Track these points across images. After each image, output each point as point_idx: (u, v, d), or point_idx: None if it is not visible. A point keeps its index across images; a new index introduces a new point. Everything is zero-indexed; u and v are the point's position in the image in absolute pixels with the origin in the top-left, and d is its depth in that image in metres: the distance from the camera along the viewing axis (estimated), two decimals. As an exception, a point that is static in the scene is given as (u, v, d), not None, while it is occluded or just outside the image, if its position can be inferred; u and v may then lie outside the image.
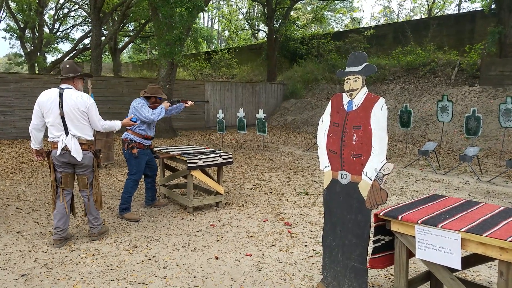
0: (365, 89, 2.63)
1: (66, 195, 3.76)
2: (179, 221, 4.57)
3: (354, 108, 2.67)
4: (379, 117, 2.50)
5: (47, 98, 3.58)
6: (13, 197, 5.40)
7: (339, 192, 2.78)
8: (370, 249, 2.60)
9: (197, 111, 14.93)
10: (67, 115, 3.56)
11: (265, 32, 22.23)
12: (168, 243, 3.89)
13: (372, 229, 2.58)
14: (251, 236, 4.10)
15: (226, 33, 34.52)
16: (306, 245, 3.86)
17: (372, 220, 2.58)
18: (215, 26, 41.81)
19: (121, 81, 13.46)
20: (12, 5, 20.46)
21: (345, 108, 2.72)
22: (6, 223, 4.36)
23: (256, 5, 27.52)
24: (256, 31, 27.99)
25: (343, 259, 2.75)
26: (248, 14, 27.41)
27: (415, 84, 13.64)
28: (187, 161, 4.70)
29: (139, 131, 4.69)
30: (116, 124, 3.99)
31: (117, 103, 12.95)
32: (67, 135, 3.59)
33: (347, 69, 2.73)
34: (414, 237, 2.36)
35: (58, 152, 3.57)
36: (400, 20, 25.11)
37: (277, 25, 19.46)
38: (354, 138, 2.64)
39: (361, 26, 23.17)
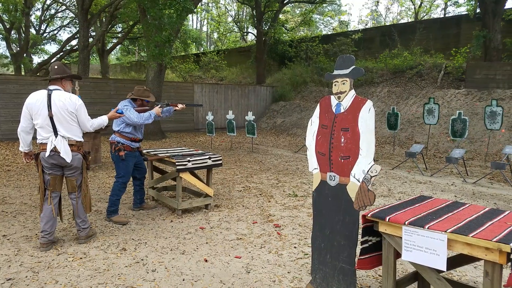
0: (353, 92, 2.66)
1: (54, 198, 3.71)
2: (167, 224, 4.55)
3: (342, 110, 2.69)
4: (367, 119, 2.54)
5: (36, 99, 3.55)
6: (-2, 201, 5.29)
7: (327, 193, 2.80)
8: (358, 250, 2.63)
9: (186, 113, 14.87)
10: (55, 116, 3.53)
11: (254, 34, 22.30)
12: (156, 246, 3.86)
13: (360, 230, 2.61)
14: (241, 238, 4.09)
15: (215, 35, 34.50)
16: (295, 247, 3.87)
17: (360, 221, 2.61)
18: (204, 28, 41.78)
19: (109, 82, 13.33)
20: (-3, 5, 20.10)
21: (334, 111, 2.75)
22: (-10, 227, 4.27)
23: (245, 8, 27.57)
24: (245, 34, 28.05)
25: (332, 260, 2.77)
26: (237, 17, 27.45)
27: (402, 87, 13.84)
28: (176, 163, 4.68)
29: (126, 134, 4.62)
30: (104, 120, 3.94)
31: (104, 104, 12.79)
32: (56, 136, 3.55)
33: (335, 72, 2.76)
34: (401, 238, 2.39)
35: (47, 153, 3.53)
36: (387, 24, 25.45)
37: (266, 28, 19.54)
38: (342, 140, 2.67)
39: (349, 30, 23.41)
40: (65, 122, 3.58)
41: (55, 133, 3.56)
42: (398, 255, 2.55)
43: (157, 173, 5.74)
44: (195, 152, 5.38)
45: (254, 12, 20.32)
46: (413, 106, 12.29)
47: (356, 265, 2.62)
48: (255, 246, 3.90)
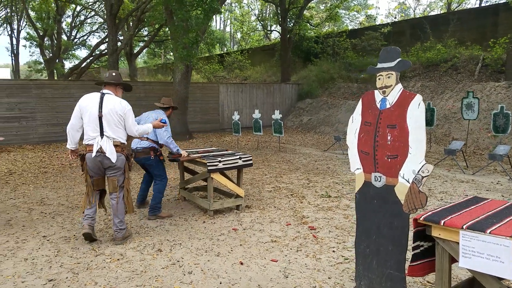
0: (399, 86, 2.49)
1: (96, 194, 3.92)
2: (200, 224, 4.50)
3: (388, 106, 2.53)
4: (417, 115, 2.36)
5: (89, 100, 3.75)
6: (37, 201, 5.43)
7: (372, 195, 2.64)
8: (408, 256, 2.46)
9: (212, 113, 14.92)
10: (105, 117, 3.68)
11: (278, 32, 22.12)
12: (191, 247, 3.81)
13: (410, 235, 2.44)
14: (275, 241, 3.98)
15: (239, 35, 34.54)
16: (333, 251, 3.72)
17: (411, 225, 2.43)
18: (227, 29, 41.93)
19: (138, 85, 13.55)
20: (32, 14, 20.95)
21: (378, 106, 2.59)
22: (31, 227, 4.36)
23: (268, 6, 27.42)
24: (269, 32, 27.89)
25: (378, 266, 2.61)
26: (260, 15, 27.33)
27: (436, 81, 13.29)
28: (207, 163, 4.63)
29: (154, 140, 4.78)
30: (148, 127, 4.13)
31: (134, 107, 12.92)
32: (102, 137, 3.69)
33: (379, 65, 2.60)
34: (458, 243, 2.20)
35: (94, 154, 3.66)
36: (417, 16, 24.61)
37: (290, 25, 19.31)
38: (388, 138, 2.51)
39: (377, 23, 22.80)
40: (113, 124, 3.72)
41: (101, 133, 3.69)
42: (452, 260, 2.36)
43: (188, 173, 5.73)
44: (225, 152, 5.32)
45: (278, 9, 20.14)
46: (449, 100, 11.76)
47: (406, 272, 2.45)
48: (291, 249, 3.78)
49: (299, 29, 19.41)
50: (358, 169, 2.74)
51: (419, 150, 2.35)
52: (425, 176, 2.35)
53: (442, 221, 2.24)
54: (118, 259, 3.54)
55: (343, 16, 30.60)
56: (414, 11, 28.88)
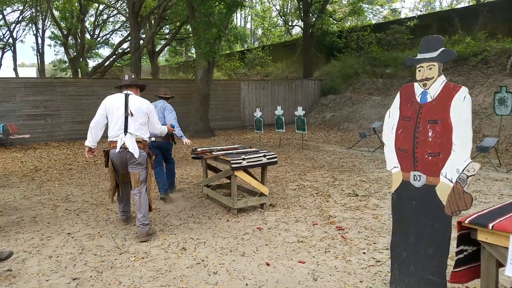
0: (442, 78, 2.30)
1: (124, 187, 4.20)
2: (224, 223, 4.41)
3: (429, 99, 2.34)
4: (462, 109, 2.17)
5: (115, 99, 3.95)
6: (62, 198, 5.48)
7: (411, 196, 2.46)
8: (450, 261, 2.27)
9: (233, 110, 14.85)
10: (131, 116, 3.88)
11: (300, 27, 21.82)
12: (215, 246, 3.72)
13: (451, 238, 2.25)
14: (302, 241, 3.84)
15: (260, 31, 34.33)
16: (364, 253, 3.55)
17: (454, 228, 2.24)
18: (248, 25, 41.77)
19: (160, 83, 13.63)
20: (56, 13, 21.44)
21: (418, 100, 2.40)
22: (56, 224, 4.38)
23: (290, 1, 27.10)
24: (291, 27, 27.58)
25: (417, 271, 2.43)
26: (282, 10, 27.06)
27: (465, 75, 12.76)
28: (231, 161, 4.52)
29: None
30: (165, 129, 4.60)
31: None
32: (125, 134, 3.86)
33: (419, 56, 2.41)
34: (507, 248, 2.01)
35: (117, 150, 3.84)
36: (444, 9, 23.76)
37: (313, 20, 19.00)
38: (430, 134, 2.32)
39: (403, 17, 22.15)
40: (138, 122, 3.92)
41: (125, 131, 3.86)
42: (499, 265, 2.16)
43: (211, 171, 5.66)
44: (249, 150, 5.20)
45: (300, 4, 19.85)
46: (479, 96, 11.25)
47: (449, 278, 2.26)
48: (318, 250, 3.63)
49: (321, 24, 19.08)
50: (395, 167, 2.56)
51: (464, 147, 2.16)
52: (470, 176, 2.16)
53: (491, 225, 2.04)
54: (142, 258, 3.48)
55: (366, 10, 29.93)
56: (440, 4, 27.92)
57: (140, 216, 3.85)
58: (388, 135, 2.58)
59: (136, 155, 3.82)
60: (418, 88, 2.41)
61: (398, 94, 2.54)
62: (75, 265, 3.34)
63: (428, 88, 2.34)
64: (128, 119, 3.85)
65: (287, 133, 13.06)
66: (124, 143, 3.80)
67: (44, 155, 9.14)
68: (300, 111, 10.21)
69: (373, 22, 24.63)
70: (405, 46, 16.62)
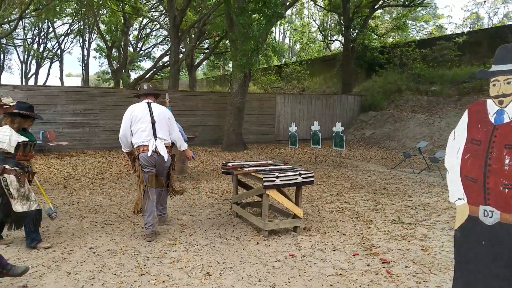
0: (526, 93, 1.86)
1: (152, 194, 4.20)
2: (253, 246, 4.06)
3: (506, 120, 1.91)
4: (555, 132, 1.72)
5: (140, 109, 4.22)
6: (90, 209, 5.38)
7: (480, 235, 2.01)
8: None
9: (268, 124, 14.59)
10: (157, 122, 4.19)
11: (340, 42, 21.38)
12: (243, 274, 3.37)
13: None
14: (341, 274, 3.41)
15: (297, 46, 34.20)
16: (413, 293, 3.07)
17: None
18: (286, 40, 41.83)
19: (196, 95, 13.68)
20: (102, 27, 22.46)
21: (492, 120, 1.97)
22: (80, 237, 4.23)
23: (330, 16, 26.80)
24: (331, 42, 27.19)
25: (488, 331, 1.95)
26: (322, 25, 26.78)
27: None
28: (263, 179, 4.20)
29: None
30: (185, 144, 4.77)
31: (191, 116, 13.13)
32: (156, 139, 4.16)
33: (495, 68, 1.99)
34: None
35: (149, 153, 4.10)
36: (495, 25, 22.46)
37: (354, 35, 18.54)
38: (506, 161, 1.88)
39: (450, 33, 21.14)
40: (164, 127, 4.26)
41: (155, 136, 4.16)
42: None
43: (241, 187, 5.36)
44: (283, 166, 4.86)
45: (341, 19, 19.49)
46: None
47: None
48: (360, 286, 3.18)
49: (363, 39, 18.58)
50: (460, 199, 2.13)
51: (559, 180, 1.70)
52: None
53: None
54: (163, 281, 3.21)
55: (409, 26, 29.00)
56: (490, 20, 26.48)
57: (161, 208, 4.52)
58: (452, 160, 2.15)
59: (166, 158, 4.19)
60: (492, 106, 1.98)
61: (466, 112, 2.11)
62: (92, 284, 3.12)
63: (506, 107, 1.91)
64: (155, 125, 4.16)
65: (323, 150, 12.57)
66: (156, 147, 4.11)
67: (79, 163, 9.28)
68: (338, 127, 9.74)
69: (417, 38, 23.70)
70: (452, 63, 15.73)
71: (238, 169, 4.73)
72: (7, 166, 3.64)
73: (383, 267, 3.55)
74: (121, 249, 3.87)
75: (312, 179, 4.48)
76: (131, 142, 4.26)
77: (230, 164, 5.00)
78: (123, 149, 4.40)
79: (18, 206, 3.68)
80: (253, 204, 5.39)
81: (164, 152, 4.15)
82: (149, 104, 4.25)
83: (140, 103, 4.27)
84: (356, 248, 4.06)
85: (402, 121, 13.87)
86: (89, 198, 6.01)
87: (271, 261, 3.68)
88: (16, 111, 3.79)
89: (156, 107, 4.27)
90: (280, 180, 4.28)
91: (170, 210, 5.33)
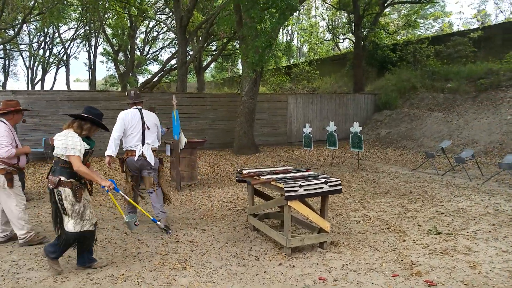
0: None
1: (136, 193, 4.70)
2: (275, 267, 3.51)
3: None
4: None
5: (132, 115, 4.46)
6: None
7: None
8: None
9: (280, 126, 14.03)
10: (149, 129, 4.46)
11: (351, 40, 20.75)
12: (266, 304, 2.83)
13: None
14: (383, 303, 2.85)
15: (304, 48, 33.60)
16: (479, 331, 2.49)
17: None
18: (294, 41, 41.27)
19: (205, 97, 13.18)
20: (108, 31, 22.17)
21: None
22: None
23: (339, 14, 26.18)
24: (341, 40, 26.56)
25: None
26: (330, 25, 26.17)
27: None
28: (285, 188, 3.65)
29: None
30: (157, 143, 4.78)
31: (200, 119, 12.64)
32: (143, 145, 4.41)
33: None
34: None
35: (136, 158, 4.36)
36: (509, 19, 21.62)
37: (364, 33, 17.92)
38: None
39: (461, 29, 20.38)
40: (152, 133, 4.51)
41: (143, 142, 4.42)
42: None
43: (258, 196, 4.81)
44: (306, 173, 4.30)
45: (351, 17, 18.89)
46: None
47: None
48: (410, 320, 2.61)
49: (374, 37, 17.95)
50: None
51: None
52: None
53: None
54: (171, 316, 2.68)
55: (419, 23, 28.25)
56: (501, 15, 25.58)
57: (159, 206, 4.48)
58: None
59: (153, 163, 4.43)
60: None
61: None
62: (87, 322, 2.60)
63: None
64: (145, 132, 4.42)
65: (338, 151, 11.97)
66: (142, 152, 4.36)
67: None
68: (356, 127, 9.15)
69: (428, 34, 22.95)
70: (467, 59, 15.05)
71: (255, 177, 4.20)
72: (62, 178, 3.20)
73: (434, 294, 2.98)
74: (123, 274, 3.35)
75: (340, 187, 3.92)
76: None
77: (245, 171, 4.47)
78: (108, 152, 4.36)
79: (70, 225, 3.23)
80: (271, 215, 4.83)
81: (150, 157, 4.40)
82: (140, 110, 4.51)
83: (131, 110, 4.51)
84: (395, 267, 3.49)
85: (418, 120, 13.20)
86: (91, 210, 5.52)
87: (299, 286, 3.13)
88: (87, 115, 3.36)
89: (147, 114, 4.56)
90: (304, 190, 3.73)
91: (179, 224, 4.82)
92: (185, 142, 6.72)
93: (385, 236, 4.34)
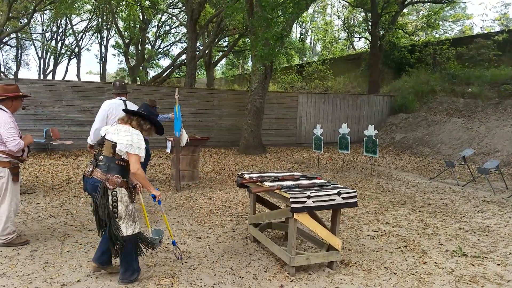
0: None
1: None
2: (276, 289, 3.03)
3: None
4: None
5: (116, 105, 4.52)
6: (78, 224, 4.47)
7: None
8: None
9: (289, 126, 13.51)
10: None
11: (368, 39, 20.06)
12: (262, 338, 2.35)
13: None
14: None
15: (318, 47, 32.95)
16: None
17: None
18: (308, 40, 40.59)
19: (213, 93, 12.73)
20: (121, 24, 21.90)
21: None
22: (55, 265, 3.31)
23: (355, 13, 25.47)
24: (357, 39, 25.87)
25: None
26: (346, 23, 25.48)
27: None
28: (291, 199, 3.16)
29: None
30: None
31: (207, 115, 12.21)
32: None
33: None
34: None
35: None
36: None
37: (382, 32, 17.27)
38: None
39: (484, 32, 19.54)
40: None
41: None
42: None
43: (261, 204, 4.34)
44: (316, 182, 3.80)
45: (368, 16, 18.25)
46: None
47: None
48: None
49: (391, 36, 17.28)
50: None
51: None
52: None
53: None
54: None
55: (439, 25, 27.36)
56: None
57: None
58: None
59: None
60: None
61: None
62: None
63: None
64: None
65: (350, 155, 11.42)
66: None
67: (82, 165, 8.45)
68: (371, 131, 8.60)
69: (449, 36, 22.13)
70: (490, 63, 14.29)
71: (257, 183, 3.72)
72: (120, 177, 2.87)
73: None
74: (101, 289, 2.91)
75: (355, 199, 3.41)
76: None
77: (247, 176, 3.99)
78: (90, 141, 4.51)
79: (124, 229, 2.86)
80: (274, 225, 4.35)
81: None
82: (124, 102, 4.60)
83: (115, 100, 4.62)
84: (417, 298, 2.98)
85: (436, 125, 12.55)
86: (82, 209, 5.11)
87: (302, 317, 2.64)
88: (146, 114, 3.00)
89: (130, 105, 4.63)
90: (313, 201, 3.23)
91: (173, 230, 4.37)
92: (187, 140, 6.30)
93: (403, 256, 3.83)
